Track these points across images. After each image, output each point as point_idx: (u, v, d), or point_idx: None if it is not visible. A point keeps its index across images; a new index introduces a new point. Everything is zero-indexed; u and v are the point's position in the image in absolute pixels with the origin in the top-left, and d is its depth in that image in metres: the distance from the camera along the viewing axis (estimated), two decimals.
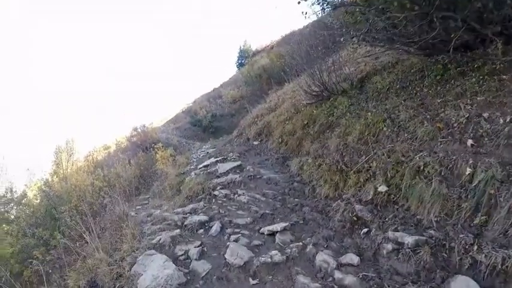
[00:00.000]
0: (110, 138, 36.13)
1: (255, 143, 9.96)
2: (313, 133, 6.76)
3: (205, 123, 22.89)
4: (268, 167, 7.31)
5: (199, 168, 9.06)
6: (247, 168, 7.22)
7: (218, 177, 7.22)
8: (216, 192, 6.36)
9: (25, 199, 11.96)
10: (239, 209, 5.57)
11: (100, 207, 11.17)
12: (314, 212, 4.88)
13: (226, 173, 7.31)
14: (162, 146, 16.31)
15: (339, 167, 5.08)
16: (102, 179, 13.74)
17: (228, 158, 8.78)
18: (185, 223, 5.36)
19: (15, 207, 11.47)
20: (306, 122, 7.43)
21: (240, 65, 35.94)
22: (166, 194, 8.47)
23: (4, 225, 11.14)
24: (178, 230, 5.09)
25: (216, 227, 4.99)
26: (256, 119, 11.56)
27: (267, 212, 5.18)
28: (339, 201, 4.64)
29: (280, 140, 8.30)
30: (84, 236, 5.61)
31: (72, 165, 27.02)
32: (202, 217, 5.40)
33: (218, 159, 8.98)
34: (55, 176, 14.95)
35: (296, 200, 5.40)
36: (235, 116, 21.68)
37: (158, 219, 6.00)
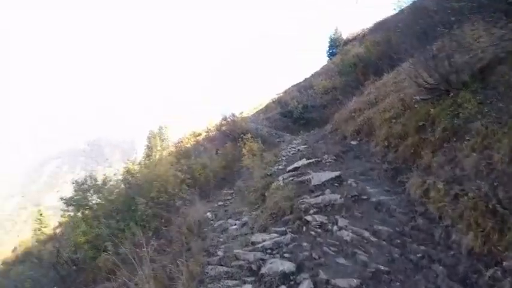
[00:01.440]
0: (202, 125, 36.91)
1: (353, 142, 8.58)
2: (434, 140, 5.05)
3: (296, 114, 21.73)
4: (374, 181, 5.71)
5: (289, 171, 7.79)
6: (349, 182, 5.64)
7: (311, 191, 5.71)
8: (308, 218, 4.79)
9: (107, 186, 11.85)
10: (339, 253, 3.97)
11: (180, 201, 10.67)
12: (452, 279, 3.16)
13: (322, 186, 5.79)
14: (251, 137, 15.64)
15: (490, 206, 3.29)
16: (186, 171, 13.26)
17: (323, 162, 7.45)
18: (262, 270, 3.96)
19: (95, 195, 11.38)
20: (421, 124, 5.68)
21: (331, 54, 34.76)
22: (249, 198, 7.48)
23: (81, 211, 11.14)
24: (249, 286, 3.77)
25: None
26: (353, 114, 10.08)
27: (381, 267, 3.51)
28: (495, 269, 2.94)
29: (386, 143, 6.72)
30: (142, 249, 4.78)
31: (163, 150, 27.89)
32: (287, 264, 3.87)
33: (311, 161, 7.69)
34: (139, 164, 14.77)
35: (421, 248, 3.67)
36: (327, 107, 20.24)
37: (228, 257, 4.66)
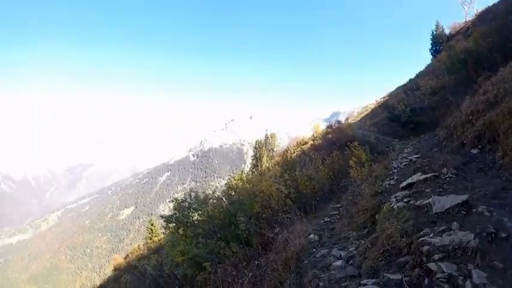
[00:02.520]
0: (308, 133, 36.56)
1: (474, 151, 7.36)
2: None
3: (404, 118, 20.61)
4: (511, 207, 4.25)
5: (402, 188, 6.56)
6: (479, 209, 4.22)
7: (433, 222, 4.34)
8: (432, 266, 3.42)
9: (209, 201, 11.91)
10: None
11: (282, 218, 10.15)
12: None
13: (446, 215, 4.45)
14: (358, 145, 14.78)
15: None
16: (290, 185, 12.76)
17: (442, 177, 6.21)
18: None
19: (196, 212, 11.46)
20: None
21: (435, 51, 33.39)
22: (355, 221, 6.58)
23: (181, 229, 11.27)
24: None
25: None
26: (470, 117, 8.78)
27: None
28: None
29: None
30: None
31: (270, 159, 27.95)
32: None
33: (427, 176, 6.47)
34: (241, 179, 14.69)
35: None
36: (436, 109, 19.14)
37: None
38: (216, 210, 11.41)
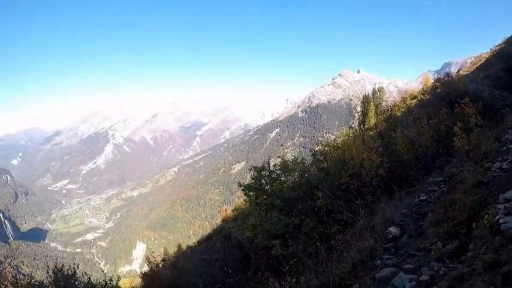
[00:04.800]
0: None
1: None
2: None
3: None
4: None
5: None
6: None
7: None
8: None
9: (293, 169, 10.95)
10: None
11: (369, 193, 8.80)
12: None
13: None
14: (470, 101, 12.49)
15: None
16: (382, 153, 11.05)
17: None
18: None
19: (277, 180, 10.62)
20: None
21: None
22: (452, 211, 4.88)
23: (260, 199, 10.57)
24: None
25: None
26: None
27: None
28: None
29: None
30: None
31: (378, 115, 25.74)
32: None
33: None
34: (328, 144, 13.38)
35: None
36: None
37: None
38: (297, 181, 10.49)
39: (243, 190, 11.17)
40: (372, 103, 26.81)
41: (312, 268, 5.05)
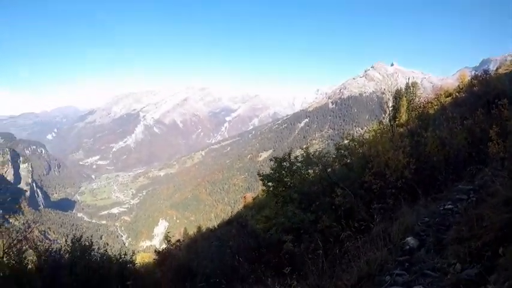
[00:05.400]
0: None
1: None
2: None
3: None
4: None
5: None
6: None
7: None
8: None
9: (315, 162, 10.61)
10: None
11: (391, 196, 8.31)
12: None
13: None
14: (509, 103, 11.41)
15: None
16: (409, 153, 10.38)
17: None
18: None
19: (295, 173, 10.33)
20: None
21: None
22: (478, 228, 4.15)
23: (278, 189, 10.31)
24: None
25: None
26: None
27: None
28: None
29: None
30: None
31: (410, 111, 24.83)
32: None
33: None
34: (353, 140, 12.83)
35: None
36: None
37: None
38: (318, 174, 10.14)
39: (261, 180, 10.97)
40: (404, 98, 25.89)
41: (315, 274, 4.70)
